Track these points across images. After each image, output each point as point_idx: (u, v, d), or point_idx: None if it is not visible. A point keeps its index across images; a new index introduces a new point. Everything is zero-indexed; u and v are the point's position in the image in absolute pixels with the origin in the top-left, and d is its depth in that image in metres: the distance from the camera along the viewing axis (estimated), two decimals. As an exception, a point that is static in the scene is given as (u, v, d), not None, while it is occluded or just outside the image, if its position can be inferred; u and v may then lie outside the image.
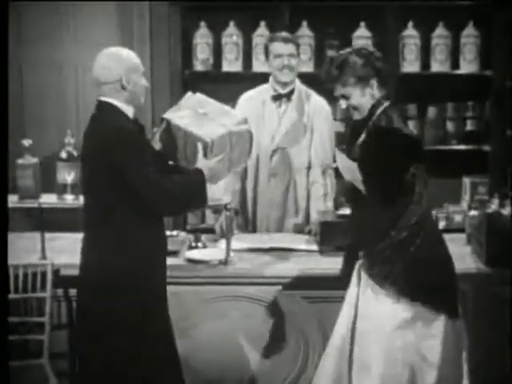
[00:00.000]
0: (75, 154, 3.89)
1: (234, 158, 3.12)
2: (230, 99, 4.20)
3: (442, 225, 4.91)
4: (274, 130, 4.03)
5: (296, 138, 4.02)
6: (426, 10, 5.00)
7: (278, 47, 3.94)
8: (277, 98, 4.04)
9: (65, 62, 5.23)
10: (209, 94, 4.93)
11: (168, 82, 5.05)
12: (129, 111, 2.99)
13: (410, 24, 5.06)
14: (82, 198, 3.08)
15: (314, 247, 3.72)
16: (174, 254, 3.59)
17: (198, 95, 3.23)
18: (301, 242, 3.80)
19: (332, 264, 3.45)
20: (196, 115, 3.07)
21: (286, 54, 3.93)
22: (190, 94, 3.23)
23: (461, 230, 4.30)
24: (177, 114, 3.11)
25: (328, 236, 3.66)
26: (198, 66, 5.12)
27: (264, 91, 4.07)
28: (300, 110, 4.01)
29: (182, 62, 5.07)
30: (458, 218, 4.97)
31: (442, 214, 4.98)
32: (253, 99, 4.07)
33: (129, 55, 3.03)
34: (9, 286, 3.27)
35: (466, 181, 5.09)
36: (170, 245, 3.55)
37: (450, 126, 5.20)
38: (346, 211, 3.71)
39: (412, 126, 5.08)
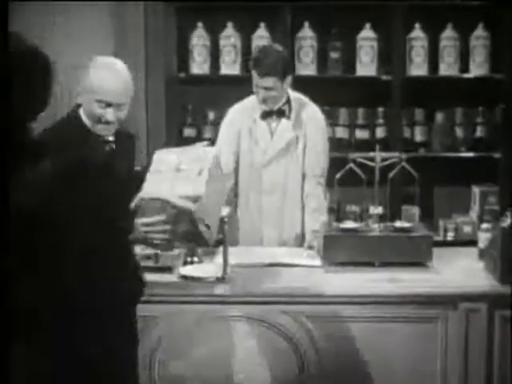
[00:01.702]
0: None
1: (178, 232, 2.78)
2: (228, 103, 4.19)
3: (450, 236, 4.93)
4: (267, 146, 3.96)
5: (289, 153, 3.95)
6: (434, 11, 4.92)
7: (255, 77, 3.84)
8: (267, 114, 3.94)
9: (55, 62, 5.06)
10: (206, 98, 5.15)
11: (163, 84, 4.93)
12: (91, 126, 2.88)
13: (418, 25, 4.98)
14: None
15: (317, 262, 3.57)
16: (168, 270, 3.43)
17: (205, 149, 2.95)
18: (302, 257, 3.66)
19: (337, 280, 3.35)
20: (174, 170, 2.82)
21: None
22: (202, 144, 2.99)
23: (471, 242, 4.20)
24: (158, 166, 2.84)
25: (332, 251, 3.51)
26: (195, 69, 5.03)
27: (254, 105, 3.96)
28: (294, 124, 3.93)
29: (177, 64, 5.01)
30: (467, 229, 4.95)
31: (451, 225, 4.96)
32: (243, 114, 3.99)
33: (97, 76, 2.93)
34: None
35: (476, 190, 5.03)
36: (162, 260, 3.46)
37: (458, 132, 5.11)
38: (351, 225, 3.61)
39: (419, 132, 5.07)
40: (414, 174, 3.59)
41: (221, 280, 3.29)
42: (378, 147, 3.60)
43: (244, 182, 3.99)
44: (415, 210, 4.76)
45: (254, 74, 3.82)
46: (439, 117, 5.08)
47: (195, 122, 5.12)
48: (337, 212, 4.14)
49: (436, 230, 4.92)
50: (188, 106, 5.10)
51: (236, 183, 3.99)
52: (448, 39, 4.98)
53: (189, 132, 5.08)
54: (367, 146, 4.81)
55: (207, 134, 5.04)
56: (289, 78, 3.84)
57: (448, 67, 4.99)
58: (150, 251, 3.41)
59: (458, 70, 5.00)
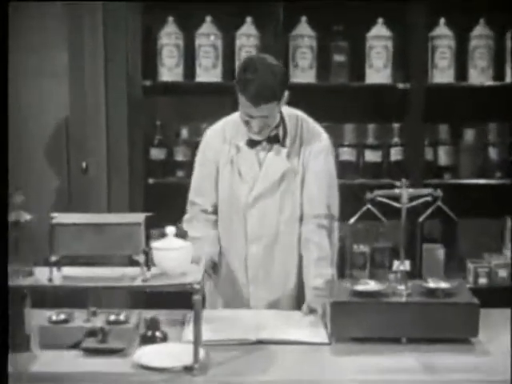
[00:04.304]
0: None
1: None
2: (206, 118, 3.97)
3: (482, 282, 4.71)
4: (254, 180, 3.42)
5: (283, 189, 3.42)
6: (462, 3, 4.49)
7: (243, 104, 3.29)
8: (254, 142, 3.42)
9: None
10: (178, 112, 4.80)
11: (125, 95, 4.64)
12: None
13: (442, 21, 4.72)
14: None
15: (321, 337, 2.97)
16: (119, 352, 2.78)
17: None
18: (301, 327, 3.07)
19: (350, 367, 2.72)
20: None
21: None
22: None
23: (506, 290, 4.19)
24: None
25: (343, 322, 2.92)
26: (165, 75, 4.69)
27: (237, 127, 3.42)
28: (288, 151, 3.40)
29: (142, 69, 4.65)
30: (502, 273, 4.71)
31: (483, 269, 4.73)
32: (220, 141, 3.48)
33: None
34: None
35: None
36: (112, 339, 2.83)
37: (492, 153, 4.83)
38: (368, 286, 3.01)
39: (444, 154, 4.83)
40: (454, 217, 3.07)
41: (190, 371, 2.65)
42: (404, 182, 3.06)
43: (224, 228, 3.45)
44: (441, 251, 4.71)
45: (242, 99, 3.24)
46: (468, 134, 4.84)
47: (165, 141, 4.82)
48: (342, 253, 3.93)
49: (463, 273, 4.74)
50: (156, 122, 4.82)
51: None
52: (479, 38, 4.74)
53: (156, 153, 4.76)
54: (379, 170, 4.72)
55: (179, 157, 4.75)
56: (285, 95, 3.30)
57: (480, 73, 4.75)
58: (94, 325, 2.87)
59: (491, 76, 4.76)
